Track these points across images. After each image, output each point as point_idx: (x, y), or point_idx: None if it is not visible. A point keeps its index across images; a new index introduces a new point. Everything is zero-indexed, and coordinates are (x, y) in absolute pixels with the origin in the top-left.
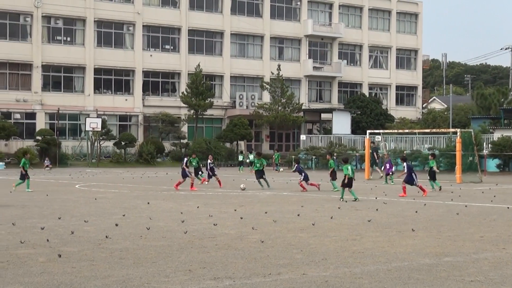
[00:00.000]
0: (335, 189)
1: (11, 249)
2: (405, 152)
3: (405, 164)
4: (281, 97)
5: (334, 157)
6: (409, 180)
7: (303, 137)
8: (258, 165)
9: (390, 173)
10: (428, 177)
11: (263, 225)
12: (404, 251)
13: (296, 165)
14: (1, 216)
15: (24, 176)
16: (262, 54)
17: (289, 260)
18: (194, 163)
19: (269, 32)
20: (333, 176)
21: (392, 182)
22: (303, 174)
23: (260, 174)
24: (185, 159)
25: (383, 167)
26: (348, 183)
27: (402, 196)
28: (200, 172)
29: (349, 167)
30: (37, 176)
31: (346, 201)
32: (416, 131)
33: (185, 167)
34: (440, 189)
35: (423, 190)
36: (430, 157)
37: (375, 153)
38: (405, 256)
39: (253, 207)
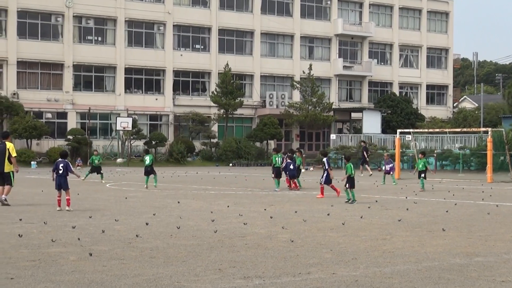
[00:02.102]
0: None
1: (43, 247)
2: (436, 151)
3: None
4: (311, 96)
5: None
6: None
7: (333, 136)
8: (275, 161)
9: (391, 173)
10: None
11: (292, 225)
12: (434, 251)
13: (325, 158)
14: (33, 215)
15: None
16: (292, 53)
17: (319, 259)
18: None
19: (299, 32)
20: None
21: (394, 182)
22: (325, 174)
23: (277, 171)
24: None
25: (383, 167)
26: (351, 183)
27: None
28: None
29: (351, 167)
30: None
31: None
32: (447, 130)
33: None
34: (422, 190)
35: None
36: (420, 155)
37: (365, 152)
38: (435, 256)
39: (283, 206)
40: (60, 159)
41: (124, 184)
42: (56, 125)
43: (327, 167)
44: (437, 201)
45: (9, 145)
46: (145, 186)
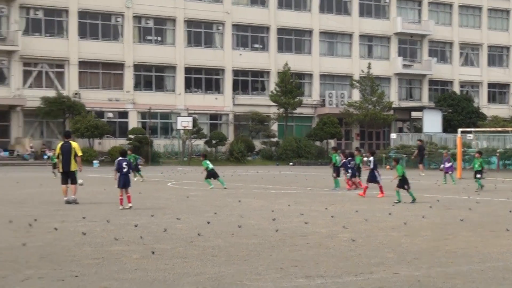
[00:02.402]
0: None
1: (106, 246)
2: (498, 150)
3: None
4: (371, 95)
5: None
6: None
7: (393, 135)
8: (334, 160)
9: (450, 172)
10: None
11: (354, 224)
12: (498, 251)
13: (371, 158)
14: (96, 213)
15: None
16: (351, 52)
17: (381, 259)
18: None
19: (358, 30)
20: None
21: (454, 182)
22: (372, 173)
23: (337, 170)
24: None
25: (442, 166)
26: (402, 183)
27: None
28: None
29: (401, 168)
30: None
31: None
32: (509, 129)
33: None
34: (479, 189)
35: None
36: (476, 154)
37: (420, 151)
38: (499, 256)
39: (344, 205)
40: (121, 158)
41: (185, 183)
42: (118, 124)
43: (372, 167)
44: (500, 200)
45: (74, 144)
46: (210, 187)
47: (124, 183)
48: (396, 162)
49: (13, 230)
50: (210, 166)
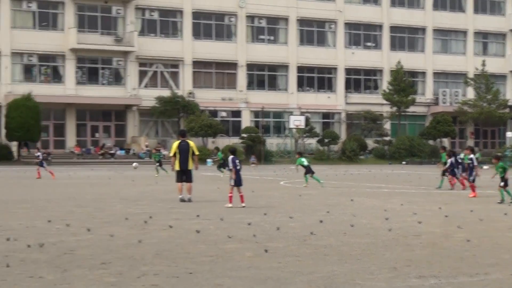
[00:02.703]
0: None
1: (220, 243)
2: None
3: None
4: (486, 93)
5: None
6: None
7: (509, 134)
8: (444, 159)
9: None
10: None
11: (468, 224)
12: None
13: (472, 155)
14: (210, 211)
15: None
16: (465, 49)
17: (497, 260)
18: None
19: (472, 27)
20: (506, 183)
21: None
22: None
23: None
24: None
25: None
26: (506, 183)
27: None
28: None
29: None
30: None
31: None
32: None
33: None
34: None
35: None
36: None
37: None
38: None
39: (458, 205)
40: (233, 156)
41: (297, 181)
42: (231, 123)
43: (475, 164)
44: None
45: (192, 143)
46: (305, 185)
47: (238, 180)
48: (498, 160)
49: (129, 227)
50: (306, 163)
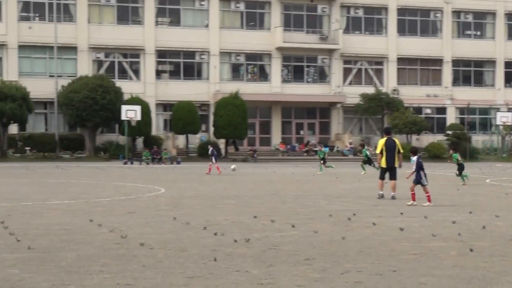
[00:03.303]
0: None
1: (424, 241)
2: None
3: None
4: None
5: None
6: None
7: None
8: None
9: None
10: None
11: None
12: None
13: None
14: (414, 209)
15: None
16: None
17: None
18: None
19: None
20: None
21: None
22: None
23: None
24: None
25: None
26: None
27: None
28: None
29: None
30: (447, 170)
31: None
32: None
33: None
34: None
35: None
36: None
37: None
38: None
39: None
40: (417, 156)
41: (504, 180)
42: (435, 120)
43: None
44: None
45: (397, 141)
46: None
47: (417, 180)
48: None
49: (333, 223)
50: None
